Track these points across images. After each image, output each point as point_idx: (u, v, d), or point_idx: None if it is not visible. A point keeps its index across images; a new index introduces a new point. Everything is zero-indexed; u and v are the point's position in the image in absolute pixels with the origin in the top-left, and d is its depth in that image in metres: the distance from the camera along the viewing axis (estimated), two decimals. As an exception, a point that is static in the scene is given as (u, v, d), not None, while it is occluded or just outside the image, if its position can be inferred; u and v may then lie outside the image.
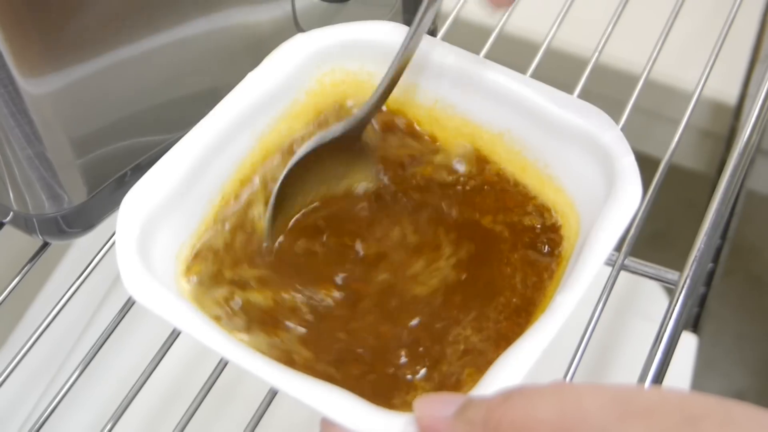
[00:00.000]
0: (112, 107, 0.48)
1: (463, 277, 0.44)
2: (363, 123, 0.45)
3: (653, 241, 1.25)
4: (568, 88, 0.50)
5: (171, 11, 0.47)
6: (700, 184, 1.09)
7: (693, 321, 0.91)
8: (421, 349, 0.41)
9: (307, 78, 0.47)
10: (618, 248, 0.50)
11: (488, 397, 0.32)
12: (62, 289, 0.51)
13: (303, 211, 0.46)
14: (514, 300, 0.43)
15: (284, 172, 0.44)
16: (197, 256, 0.43)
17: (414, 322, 0.42)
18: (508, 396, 0.31)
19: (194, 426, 0.47)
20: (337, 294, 0.43)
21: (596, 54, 0.60)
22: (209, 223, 0.44)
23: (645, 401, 0.29)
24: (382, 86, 0.44)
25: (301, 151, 0.44)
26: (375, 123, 0.47)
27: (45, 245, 0.53)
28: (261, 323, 0.41)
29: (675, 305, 0.47)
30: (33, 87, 0.43)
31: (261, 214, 0.44)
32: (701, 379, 0.77)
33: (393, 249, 0.45)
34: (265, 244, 0.44)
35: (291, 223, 0.45)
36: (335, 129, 0.45)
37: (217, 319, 0.41)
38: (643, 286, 0.76)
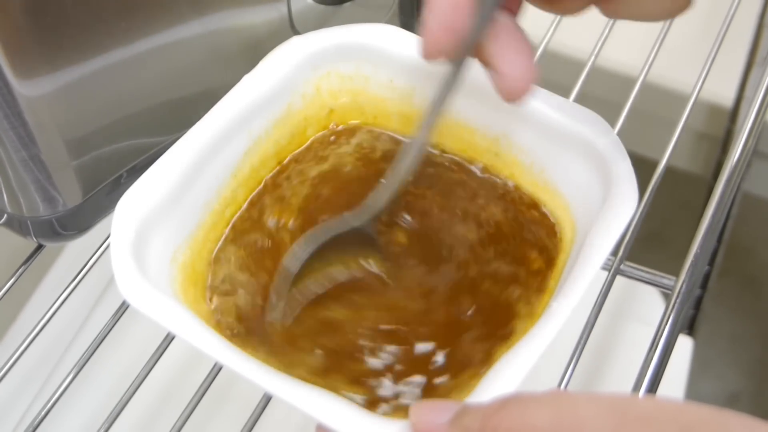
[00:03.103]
0: (107, 109, 0.48)
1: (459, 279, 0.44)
2: (377, 216, 0.43)
3: (648, 242, 1.25)
4: (565, 91, 0.50)
5: (166, 13, 0.47)
6: (695, 186, 1.09)
7: (688, 323, 0.91)
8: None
9: (303, 81, 0.47)
10: (614, 252, 0.50)
11: (484, 404, 0.32)
12: (56, 291, 0.51)
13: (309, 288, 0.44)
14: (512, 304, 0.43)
15: (294, 264, 0.42)
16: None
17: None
18: (505, 403, 0.31)
19: (189, 429, 0.47)
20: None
21: (593, 57, 0.60)
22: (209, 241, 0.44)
23: (641, 410, 0.29)
24: (394, 181, 0.42)
25: (311, 246, 0.42)
26: None
27: (39, 247, 0.53)
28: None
29: (671, 310, 0.47)
30: (27, 89, 0.43)
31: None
32: (696, 381, 0.77)
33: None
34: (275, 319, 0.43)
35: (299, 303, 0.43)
36: (349, 221, 0.43)
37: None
38: (638, 289, 0.76)
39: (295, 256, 0.42)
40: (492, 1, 0.37)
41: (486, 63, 0.39)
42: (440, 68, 0.46)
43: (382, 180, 0.42)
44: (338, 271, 0.43)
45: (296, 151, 0.48)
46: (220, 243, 0.45)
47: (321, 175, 0.48)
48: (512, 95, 0.38)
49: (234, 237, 0.45)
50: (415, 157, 0.41)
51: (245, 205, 0.46)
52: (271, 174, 0.47)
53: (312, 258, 0.42)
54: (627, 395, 0.30)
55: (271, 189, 0.47)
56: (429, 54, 0.38)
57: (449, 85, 0.39)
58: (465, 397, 0.36)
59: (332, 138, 0.49)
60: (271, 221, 0.46)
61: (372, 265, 0.44)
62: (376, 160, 0.48)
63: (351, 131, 0.49)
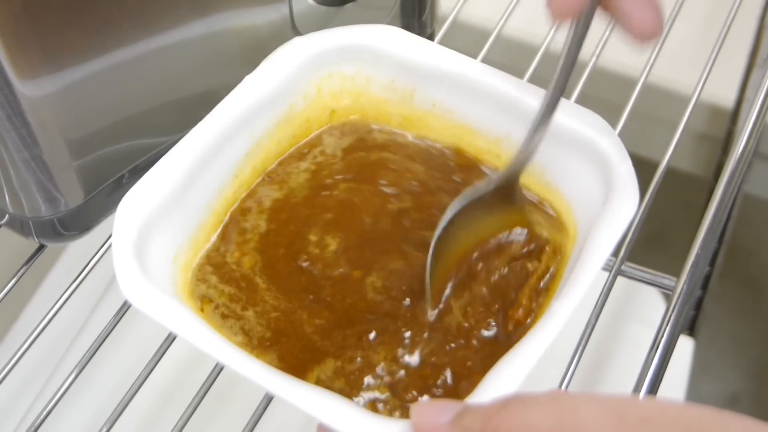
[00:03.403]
0: (109, 110, 0.48)
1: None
2: (515, 175, 0.42)
3: (649, 243, 1.25)
4: (566, 92, 0.50)
5: (168, 14, 0.47)
6: (696, 187, 1.09)
7: (689, 324, 0.91)
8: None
9: (305, 82, 0.47)
10: (615, 253, 0.50)
11: (485, 404, 0.32)
12: (58, 291, 0.51)
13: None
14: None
15: (436, 233, 0.41)
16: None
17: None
18: (505, 403, 0.31)
19: (191, 429, 0.47)
20: None
21: (594, 58, 0.60)
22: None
23: (642, 412, 0.29)
24: (530, 139, 0.42)
25: (450, 211, 0.41)
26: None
27: (41, 247, 0.53)
28: None
29: (672, 311, 0.47)
30: (29, 90, 0.43)
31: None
32: (696, 382, 0.77)
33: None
34: (430, 312, 0.42)
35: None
36: (484, 185, 0.42)
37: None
38: (639, 290, 0.76)
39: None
40: None
41: (614, 12, 0.41)
42: (441, 69, 0.47)
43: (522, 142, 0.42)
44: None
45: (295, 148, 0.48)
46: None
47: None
48: (645, 37, 0.41)
49: None
50: (548, 113, 0.41)
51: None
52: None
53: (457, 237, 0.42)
54: (627, 396, 0.30)
55: None
56: (562, 13, 0.40)
57: (578, 41, 0.41)
58: (465, 397, 0.36)
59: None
60: None
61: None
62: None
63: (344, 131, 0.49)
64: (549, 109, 0.41)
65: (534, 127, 0.41)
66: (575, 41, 0.40)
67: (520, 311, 0.42)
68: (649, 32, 0.40)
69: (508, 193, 0.43)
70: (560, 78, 0.41)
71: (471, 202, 0.42)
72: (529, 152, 0.42)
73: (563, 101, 0.45)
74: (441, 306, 0.41)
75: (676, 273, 0.49)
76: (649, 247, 1.23)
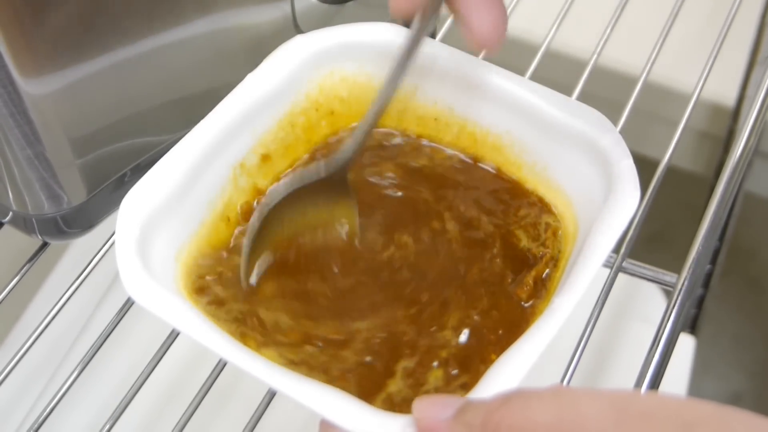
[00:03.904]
0: (111, 108, 0.48)
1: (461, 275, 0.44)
2: (347, 164, 0.43)
3: (650, 242, 1.25)
4: (567, 90, 0.50)
5: (171, 12, 0.47)
6: (697, 186, 1.09)
7: (690, 322, 0.92)
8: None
9: (306, 80, 0.47)
10: (616, 250, 0.50)
11: (487, 399, 0.32)
12: (61, 289, 0.51)
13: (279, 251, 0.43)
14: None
15: (257, 215, 0.42)
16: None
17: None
18: (507, 399, 0.31)
19: (193, 426, 0.48)
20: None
21: (595, 56, 0.61)
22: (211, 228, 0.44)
23: (642, 406, 0.29)
24: (365, 125, 0.42)
25: (277, 194, 0.42)
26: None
27: (44, 245, 0.53)
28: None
29: (673, 307, 0.47)
30: (33, 87, 0.43)
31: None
32: (698, 381, 0.77)
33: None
34: (244, 286, 0.42)
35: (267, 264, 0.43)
36: (317, 170, 0.43)
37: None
38: (640, 287, 0.76)
39: (260, 207, 0.42)
40: None
41: (455, 14, 0.39)
42: (443, 66, 0.47)
43: (354, 125, 0.42)
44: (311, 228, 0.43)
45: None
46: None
47: None
48: (481, 46, 0.39)
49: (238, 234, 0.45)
50: (384, 102, 0.41)
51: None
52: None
53: (285, 214, 0.42)
54: (628, 391, 0.30)
55: None
56: (400, 9, 0.38)
57: (416, 40, 0.40)
58: (467, 392, 0.37)
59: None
60: None
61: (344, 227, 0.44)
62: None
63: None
64: (373, 117, 0.41)
65: (364, 124, 0.41)
66: (414, 39, 0.40)
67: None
68: (486, 40, 0.39)
69: (339, 183, 0.43)
70: (385, 91, 0.41)
71: (302, 188, 0.42)
72: (358, 145, 0.42)
73: (565, 98, 0.45)
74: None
75: (677, 272, 0.50)
76: (650, 246, 1.23)
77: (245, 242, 0.42)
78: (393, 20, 0.45)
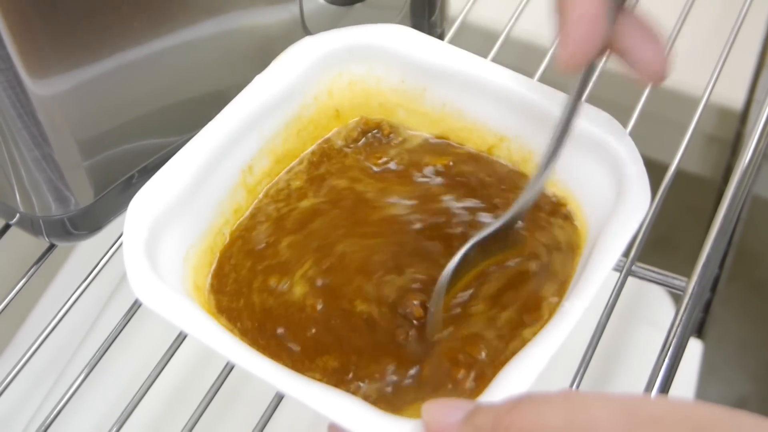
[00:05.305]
0: (119, 109, 0.48)
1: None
2: (518, 217, 0.43)
3: (657, 246, 1.24)
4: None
5: (179, 14, 0.47)
6: (704, 189, 1.09)
7: (697, 327, 0.91)
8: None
9: (315, 81, 0.47)
10: (625, 253, 0.50)
11: (496, 403, 0.32)
12: (68, 291, 0.51)
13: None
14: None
15: (445, 276, 0.41)
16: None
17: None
18: (517, 403, 0.31)
19: (200, 430, 0.47)
20: None
21: (604, 59, 0.60)
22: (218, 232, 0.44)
23: (653, 410, 0.29)
24: (539, 182, 0.42)
25: (461, 252, 0.41)
26: None
27: (51, 247, 0.53)
28: None
29: (683, 312, 0.47)
30: (41, 89, 0.43)
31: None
32: (704, 385, 0.77)
33: None
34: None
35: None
36: (492, 225, 0.42)
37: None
38: (648, 291, 0.76)
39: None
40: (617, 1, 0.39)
41: (622, 55, 0.41)
42: (452, 68, 0.47)
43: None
44: None
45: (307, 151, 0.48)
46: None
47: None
48: (653, 79, 0.41)
49: None
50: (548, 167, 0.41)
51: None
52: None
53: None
54: (639, 395, 0.30)
55: None
56: (574, 65, 0.39)
57: (582, 90, 0.41)
58: (477, 396, 0.36)
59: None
60: None
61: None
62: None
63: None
64: (548, 161, 0.41)
65: (538, 173, 0.42)
66: (580, 89, 0.41)
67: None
68: (655, 72, 0.40)
69: (507, 234, 0.43)
70: (558, 137, 0.41)
71: (475, 244, 0.42)
72: (532, 195, 0.42)
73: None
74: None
75: (685, 275, 0.49)
76: (657, 250, 1.22)
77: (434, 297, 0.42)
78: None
